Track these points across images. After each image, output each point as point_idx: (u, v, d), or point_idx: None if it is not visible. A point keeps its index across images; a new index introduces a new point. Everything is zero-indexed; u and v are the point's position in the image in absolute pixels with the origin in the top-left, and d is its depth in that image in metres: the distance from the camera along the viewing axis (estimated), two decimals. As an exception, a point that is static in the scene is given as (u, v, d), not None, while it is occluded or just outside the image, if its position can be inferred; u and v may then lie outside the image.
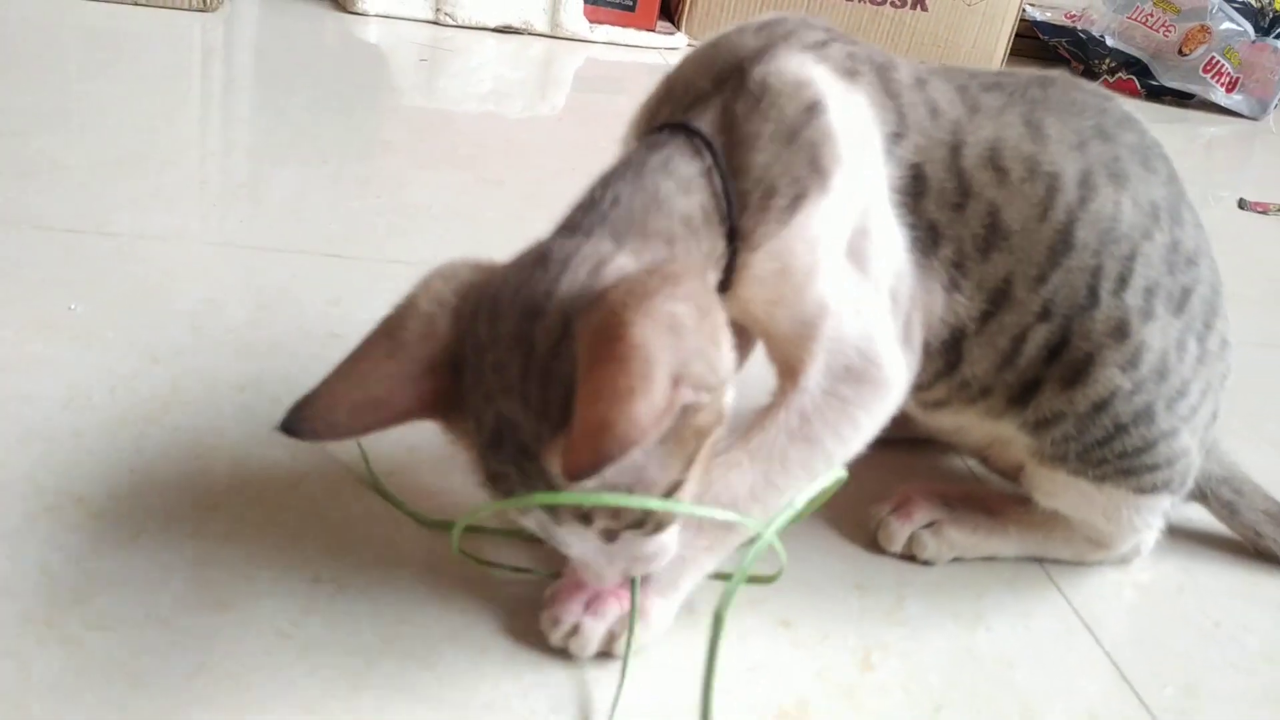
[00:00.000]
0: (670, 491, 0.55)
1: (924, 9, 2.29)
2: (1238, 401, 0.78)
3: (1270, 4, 2.51)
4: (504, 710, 0.59)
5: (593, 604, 0.63)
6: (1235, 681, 0.71)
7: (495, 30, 2.07)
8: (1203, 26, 2.46)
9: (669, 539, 0.58)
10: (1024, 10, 2.61)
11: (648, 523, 0.56)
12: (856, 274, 0.64)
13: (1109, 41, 2.52)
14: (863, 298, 0.64)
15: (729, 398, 0.56)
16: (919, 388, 0.70)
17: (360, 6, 2.02)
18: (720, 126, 0.62)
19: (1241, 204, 1.82)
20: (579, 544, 0.57)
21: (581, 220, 0.59)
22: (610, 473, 0.49)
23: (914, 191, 0.66)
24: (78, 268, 0.97)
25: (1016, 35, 2.38)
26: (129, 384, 0.82)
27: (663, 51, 2.19)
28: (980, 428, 0.76)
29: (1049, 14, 2.68)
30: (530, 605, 0.66)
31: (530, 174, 1.40)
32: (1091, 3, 2.64)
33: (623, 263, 0.55)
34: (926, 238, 0.66)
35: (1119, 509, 0.74)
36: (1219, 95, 2.49)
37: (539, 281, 0.54)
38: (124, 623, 0.60)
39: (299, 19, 1.97)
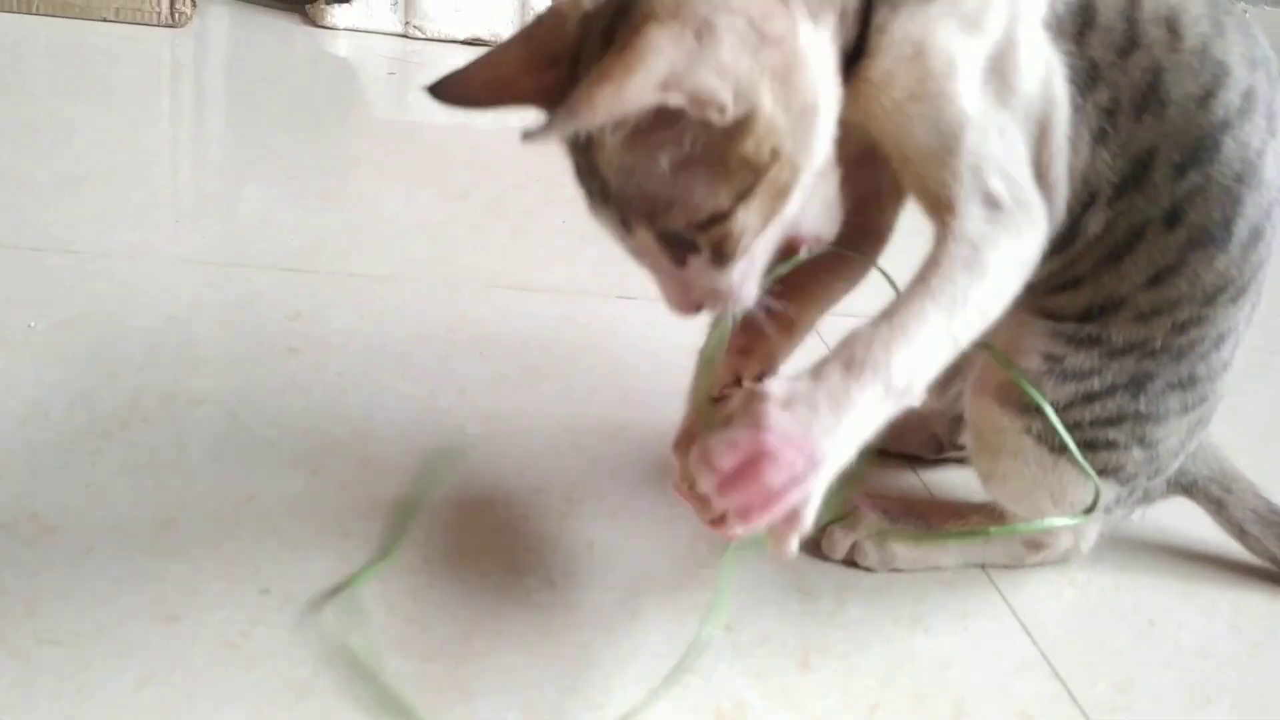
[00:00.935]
0: (715, 219, 0.56)
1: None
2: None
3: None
4: (448, 714, 0.61)
5: (741, 513, 0.56)
6: (1167, 677, 0.73)
7: (464, 42, 2.08)
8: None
9: (738, 276, 0.59)
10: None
11: (703, 251, 0.57)
12: (997, 93, 0.61)
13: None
14: (1004, 122, 0.61)
15: (808, 148, 0.57)
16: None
17: (329, 20, 2.04)
18: None
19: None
20: (650, 260, 0.60)
21: None
22: (649, 179, 0.55)
23: (1081, 22, 0.64)
24: (40, 286, 0.98)
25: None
26: (88, 400, 0.83)
27: (632, 62, 2.21)
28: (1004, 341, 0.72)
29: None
30: (480, 618, 0.68)
31: (493, 186, 1.41)
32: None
33: None
34: (1086, 75, 0.64)
35: (1066, 491, 0.74)
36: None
37: None
38: (73, 636, 0.62)
39: (268, 34, 1.98)
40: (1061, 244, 0.68)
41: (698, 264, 0.58)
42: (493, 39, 2.09)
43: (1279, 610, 0.82)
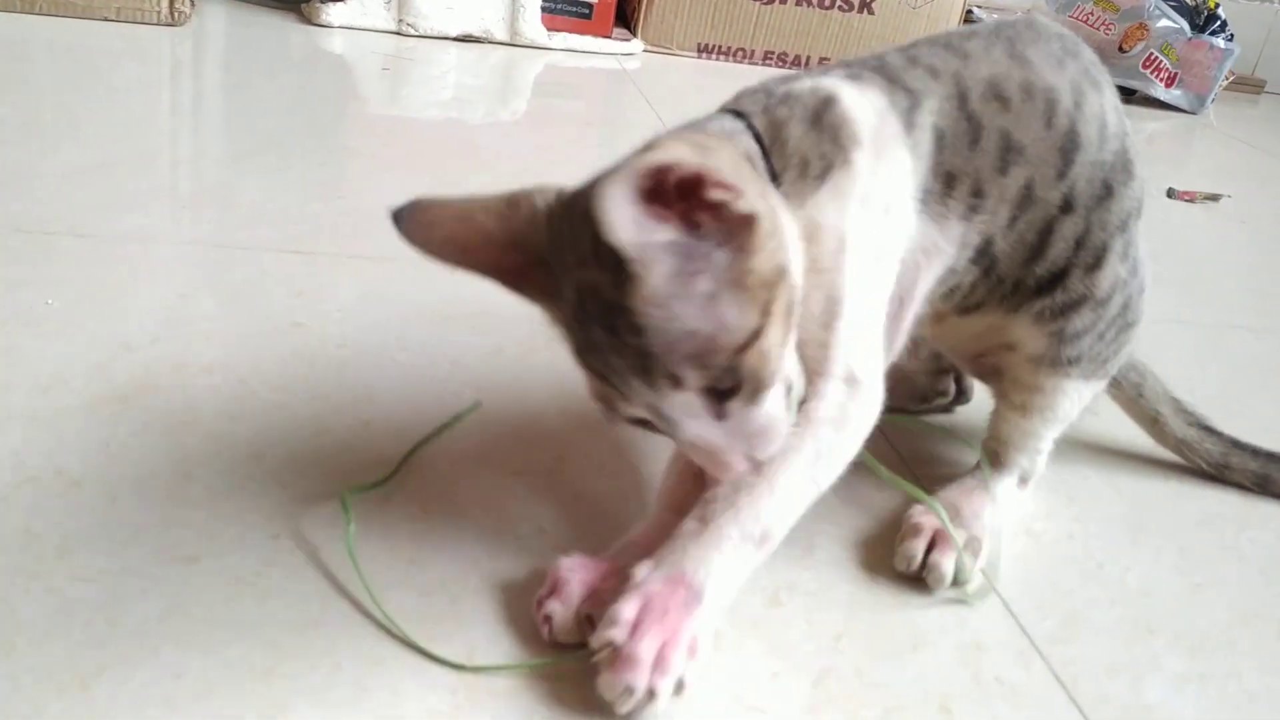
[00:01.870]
0: (752, 340, 0.59)
1: (870, 12, 2.38)
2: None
3: (1205, 2, 2.61)
4: (446, 643, 0.66)
5: (658, 663, 0.61)
6: (1111, 613, 0.79)
7: (456, 39, 2.14)
8: (1141, 24, 2.56)
9: (774, 408, 0.63)
10: (970, 12, 2.71)
11: (743, 386, 0.60)
12: (874, 254, 0.71)
13: (1052, 41, 2.61)
14: (873, 276, 0.70)
15: (794, 264, 0.63)
16: (957, 297, 0.79)
17: (324, 18, 2.09)
18: (760, 111, 0.70)
19: (1170, 193, 1.91)
20: (692, 424, 0.61)
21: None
22: (688, 314, 0.57)
23: (935, 149, 0.74)
24: (54, 267, 1.04)
25: (963, 36, 2.46)
26: (104, 370, 0.88)
27: (619, 57, 2.26)
28: (998, 332, 0.83)
29: (995, 15, 2.77)
30: (477, 558, 0.73)
31: (486, 177, 1.47)
32: (1035, 3, 2.73)
33: None
34: (944, 185, 0.74)
35: (1085, 398, 0.85)
36: (1159, 90, 2.59)
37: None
38: (102, 574, 0.67)
39: (265, 31, 2.04)
40: (982, 275, 0.78)
41: (737, 407, 0.62)
42: (484, 35, 2.15)
43: (1221, 554, 0.88)
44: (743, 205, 0.57)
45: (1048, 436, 0.86)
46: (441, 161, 1.51)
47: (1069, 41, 0.81)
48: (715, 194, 0.56)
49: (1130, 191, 0.80)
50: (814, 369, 0.69)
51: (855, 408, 0.69)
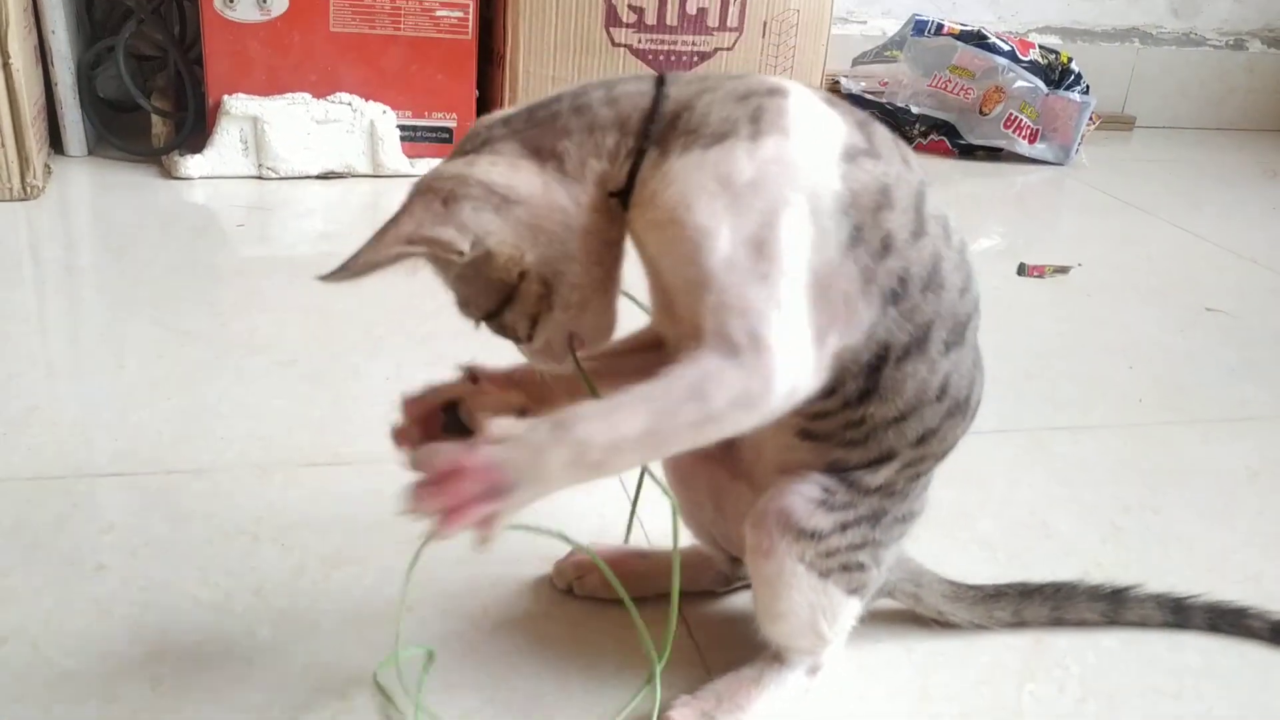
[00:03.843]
0: (491, 315, 0.77)
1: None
2: (954, 494, 0.88)
3: (1057, 59, 2.69)
4: None
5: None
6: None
7: (319, 177, 2.17)
8: (997, 87, 2.63)
9: (535, 351, 0.79)
10: (837, 82, 2.78)
11: (519, 333, 0.77)
12: (759, 248, 0.68)
13: (914, 109, 2.68)
14: (766, 271, 0.68)
15: (559, 270, 0.73)
16: (824, 413, 0.77)
17: (184, 170, 2.11)
18: (689, 84, 0.73)
19: (1020, 269, 1.96)
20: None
21: (521, 124, 0.74)
22: (450, 281, 0.76)
23: (878, 202, 0.72)
24: None
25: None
26: (-105, 653, 0.89)
27: (485, 176, 2.29)
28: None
29: (862, 84, 2.83)
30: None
31: (322, 349, 1.48)
32: (899, 71, 2.80)
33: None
34: (880, 244, 0.72)
35: (837, 611, 0.83)
36: (1022, 147, 2.66)
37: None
38: None
39: (124, 194, 2.05)
40: (860, 397, 0.76)
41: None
42: (346, 170, 2.18)
43: (1000, 716, 0.91)
44: (467, 257, 0.71)
45: (806, 642, 0.86)
46: (279, 335, 1.52)
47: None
48: (439, 255, 0.71)
49: (966, 426, 0.82)
50: (690, 331, 0.70)
51: (728, 380, 0.67)
